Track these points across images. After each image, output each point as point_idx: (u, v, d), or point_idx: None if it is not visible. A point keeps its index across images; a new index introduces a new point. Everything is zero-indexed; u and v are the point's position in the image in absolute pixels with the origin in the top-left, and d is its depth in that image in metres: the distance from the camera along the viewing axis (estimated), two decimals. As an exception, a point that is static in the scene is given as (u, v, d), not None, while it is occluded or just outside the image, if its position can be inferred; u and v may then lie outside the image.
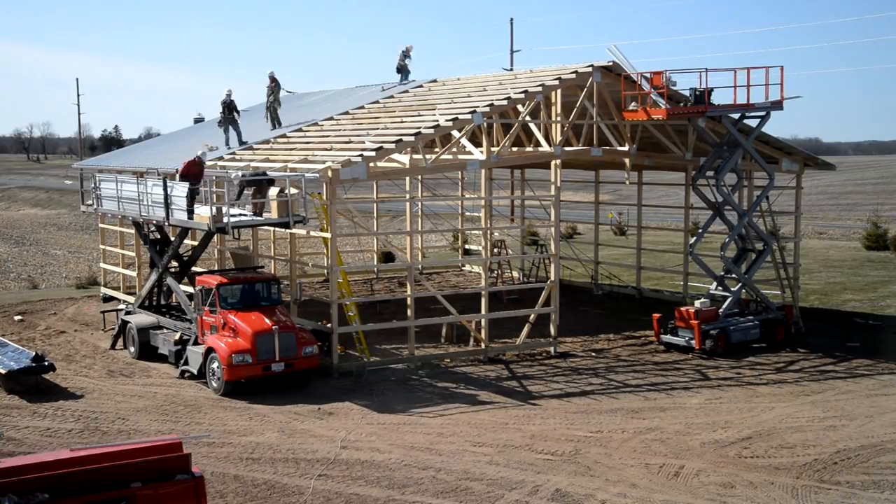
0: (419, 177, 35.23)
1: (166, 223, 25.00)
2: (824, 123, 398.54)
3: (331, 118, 31.11)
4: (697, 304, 27.65)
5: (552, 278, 27.66)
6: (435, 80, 33.01)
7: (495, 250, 35.03)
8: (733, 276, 28.60)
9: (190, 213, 23.74)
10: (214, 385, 22.91)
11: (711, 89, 26.67)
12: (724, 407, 21.67)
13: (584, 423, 20.44)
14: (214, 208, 22.95)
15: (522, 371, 25.24)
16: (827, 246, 50.91)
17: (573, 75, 26.84)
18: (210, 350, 23.05)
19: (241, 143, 30.37)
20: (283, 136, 30.34)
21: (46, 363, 23.38)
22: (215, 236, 26.34)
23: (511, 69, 47.72)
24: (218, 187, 24.12)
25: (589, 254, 38.75)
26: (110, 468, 11.24)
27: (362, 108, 31.42)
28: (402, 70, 34.13)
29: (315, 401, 22.14)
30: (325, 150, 26.73)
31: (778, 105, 27.04)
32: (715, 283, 28.97)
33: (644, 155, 29.67)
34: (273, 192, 23.97)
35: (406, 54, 34.13)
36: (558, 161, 27.29)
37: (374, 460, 17.96)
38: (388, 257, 42.18)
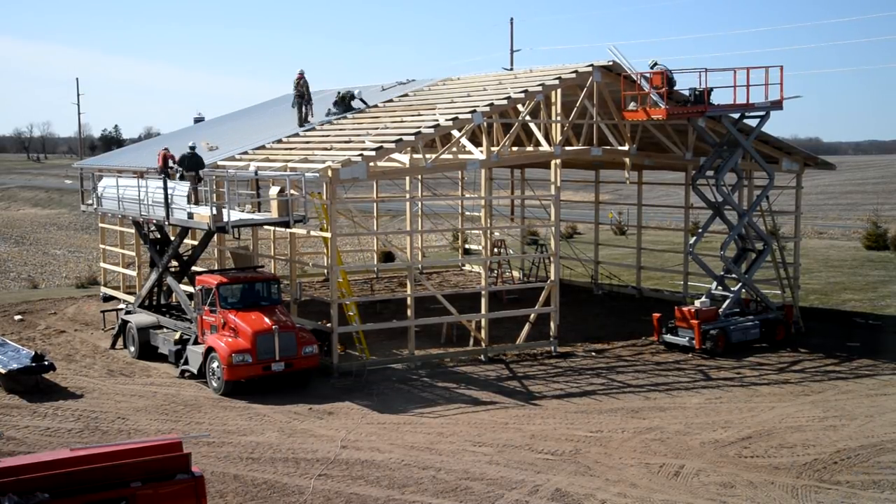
0: (419, 176, 35.24)
1: (166, 223, 25.01)
2: (824, 123, 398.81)
3: (328, 123, 31.03)
4: (697, 303, 27.66)
5: (552, 278, 27.66)
6: (435, 80, 33.01)
7: (495, 250, 35.03)
8: (733, 275, 28.61)
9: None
10: (214, 385, 22.92)
11: (711, 89, 26.68)
12: (724, 407, 21.67)
13: (584, 422, 20.44)
14: (214, 208, 22.95)
15: (523, 371, 25.24)
16: (827, 246, 50.91)
17: (573, 75, 26.84)
18: (210, 350, 23.06)
19: (307, 122, 31.10)
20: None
21: (46, 363, 23.39)
22: (215, 236, 26.35)
23: (511, 69, 47.70)
24: (218, 186, 24.14)
25: (589, 253, 38.76)
26: (110, 468, 11.25)
27: (360, 112, 31.34)
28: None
29: (315, 401, 22.15)
30: (325, 149, 26.73)
31: (778, 105, 27.05)
32: (715, 283, 28.98)
33: (644, 155, 29.67)
34: (273, 191, 23.98)
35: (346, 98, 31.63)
36: (558, 161, 27.29)
37: (374, 460, 17.96)
38: (388, 257, 42.17)
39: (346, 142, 27.20)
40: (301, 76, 31.00)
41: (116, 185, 27.48)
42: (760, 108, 26.99)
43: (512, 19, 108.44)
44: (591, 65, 26.85)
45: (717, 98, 26.95)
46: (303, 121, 31.22)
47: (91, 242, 55.96)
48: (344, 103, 31.21)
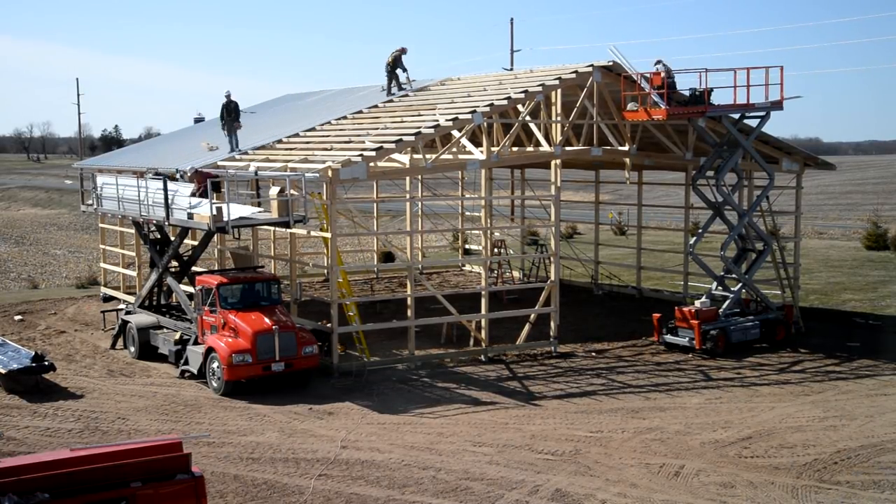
0: (419, 177, 35.22)
1: (166, 223, 25.00)
2: (824, 123, 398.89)
3: (328, 123, 31.00)
4: (697, 303, 27.65)
5: (552, 278, 27.66)
6: (435, 81, 32.98)
7: (495, 250, 35.02)
8: (733, 276, 28.60)
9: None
10: (214, 385, 22.92)
11: (711, 89, 26.67)
12: (725, 407, 21.67)
13: (585, 422, 20.44)
14: (214, 208, 22.93)
15: (523, 371, 25.23)
16: (827, 246, 50.91)
17: (573, 75, 26.84)
18: (210, 350, 23.06)
19: (399, 89, 32.05)
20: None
21: (46, 363, 23.38)
22: (215, 236, 26.34)
23: (511, 69, 47.71)
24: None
25: (589, 254, 38.75)
26: (110, 468, 11.24)
27: (360, 113, 31.27)
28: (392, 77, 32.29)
29: (315, 401, 22.14)
30: (325, 149, 26.72)
31: (778, 105, 27.03)
32: (715, 283, 28.96)
33: (644, 155, 29.66)
34: (274, 191, 23.98)
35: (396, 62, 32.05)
36: (558, 161, 27.29)
37: (374, 460, 17.96)
38: (388, 257, 42.17)
39: (346, 142, 27.19)
40: (398, 53, 31.84)
41: (116, 185, 27.48)
42: (760, 108, 26.97)
43: (512, 19, 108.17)
44: (592, 65, 26.85)
45: (718, 98, 26.98)
46: (387, 92, 32.07)
47: (91, 243, 55.95)
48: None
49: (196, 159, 29.38)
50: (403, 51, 32.13)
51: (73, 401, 22.31)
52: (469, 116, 25.35)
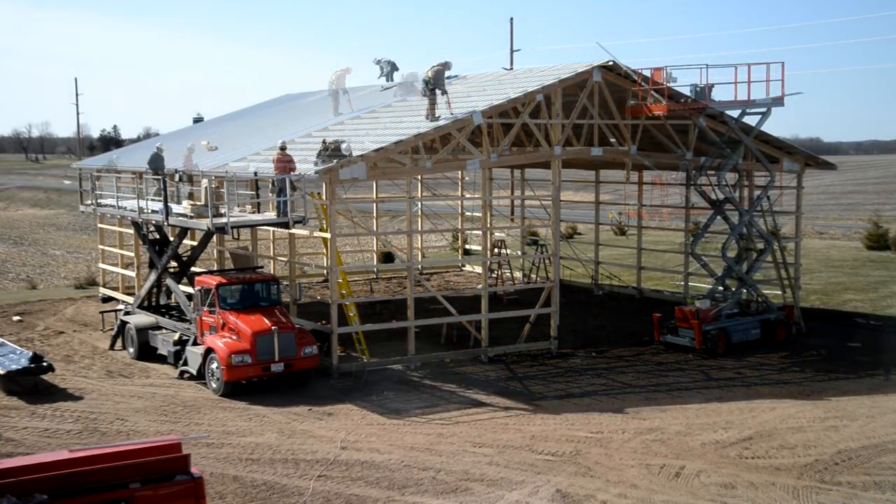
0: (419, 177, 35.16)
1: (165, 223, 24.96)
2: (825, 123, 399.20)
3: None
4: (698, 303, 27.60)
5: (552, 278, 27.61)
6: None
7: (495, 250, 34.97)
8: (734, 275, 28.56)
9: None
10: (214, 385, 22.87)
11: (712, 86, 26.63)
12: (725, 407, 21.62)
13: (585, 423, 20.39)
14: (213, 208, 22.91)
15: (523, 371, 25.19)
16: (828, 246, 50.86)
17: (573, 75, 26.79)
18: (209, 350, 23.01)
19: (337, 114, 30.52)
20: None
21: (45, 364, 23.33)
22: (215, 236, 26.29)
23: (511, 69, 47.66)
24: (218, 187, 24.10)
25: (589, 254, 38.70)
26: (109, 469, 11.23)
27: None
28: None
29: (315, 401, 22.11)
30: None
31: (779, 101, 26.98)
32: (715, 283, 28.90)
33: (644, 154, 29.61)
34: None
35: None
36: (558, 161, 27.24)
37: (373, 461, 17.92)
38: (388, 257, 42.10)
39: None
40: (342, 73, 30.44)
41: (115, 186, 27.45)
42: (762, 104, 26.93)
43: (512, 19, 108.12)
44: (591, 65, 26.81)
45: (719, 95, 26.94)
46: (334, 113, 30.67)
47: (90, 243, 55.87)
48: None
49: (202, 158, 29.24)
50: (347, 71, 30.88)
51: (71, 402, 22.27)
52: (469, 117, 25.29)
